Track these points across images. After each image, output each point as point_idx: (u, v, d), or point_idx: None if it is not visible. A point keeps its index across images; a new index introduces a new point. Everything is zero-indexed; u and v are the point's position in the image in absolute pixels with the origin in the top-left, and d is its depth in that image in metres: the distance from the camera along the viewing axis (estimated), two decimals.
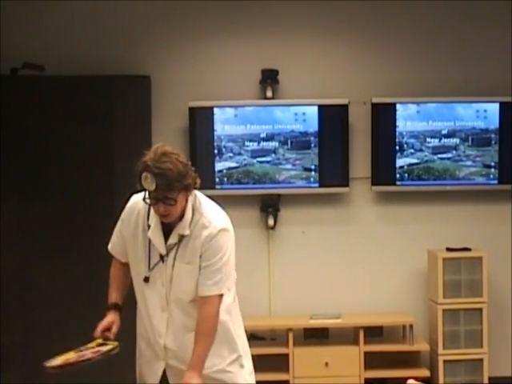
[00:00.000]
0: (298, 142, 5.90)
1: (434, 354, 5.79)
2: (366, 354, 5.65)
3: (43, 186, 5.46)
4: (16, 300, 5.43)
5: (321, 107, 5.90)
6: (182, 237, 3.15)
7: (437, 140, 5.94)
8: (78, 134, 5.46)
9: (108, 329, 3.46)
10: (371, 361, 5.67)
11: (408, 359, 5.75)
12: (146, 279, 3.24)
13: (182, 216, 3.14)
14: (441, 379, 5.69)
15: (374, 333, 5.81)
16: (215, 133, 5.88)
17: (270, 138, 5.89)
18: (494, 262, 5.86)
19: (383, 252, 6.04)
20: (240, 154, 5.85)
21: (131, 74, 5.73)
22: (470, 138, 5.94)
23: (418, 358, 5.81)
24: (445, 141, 5.94)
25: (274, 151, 5.89)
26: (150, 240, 3.19)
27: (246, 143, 5.89)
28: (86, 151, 5.48)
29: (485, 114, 5.93)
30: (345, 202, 6.08)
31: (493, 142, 5.93)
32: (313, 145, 5.90)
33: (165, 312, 3.27)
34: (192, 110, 5.84)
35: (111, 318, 3.46)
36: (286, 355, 5.61)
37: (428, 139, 5.93)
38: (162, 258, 3.18)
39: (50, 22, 5.89)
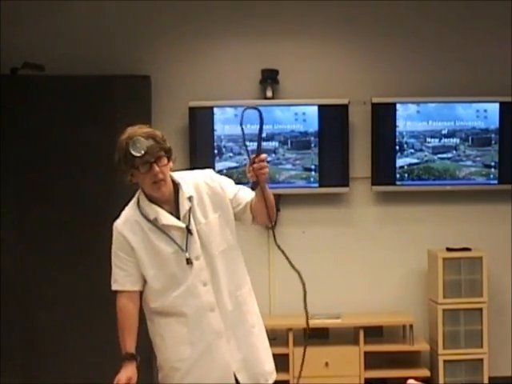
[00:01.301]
0: (298, 142, 5.90)
1: (434, 354, 5.79)
2: (366, 353, 5.65)
3: (43, 186, 5.46)
4: (16, 300, 5.43)
5: (321, 107, 5.90)
6: (190, 199, 3.22)
7: (437, 140, 5.94)
8: (78, 133, 5.46)
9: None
10: (371, 361, 5.67)
11: (408, 359, 5.75)
12: (188, 261, 3.19)
13: (175, 186, 3.22)
14: (441, 379, 5.69)
15: (374, 333, 5.81)
16: (215, 133, 5.88)
17: (270, 138, 5.89)
18: (494, 262, 5.87)
19: (383, 252, 6.04)
20: (240, 153, 5.85)
21: (131, 74, 5.73)
22: (470, 138, 5.94)
23: (418, 358, 5.81)
24: (445, 141, 5.94)
25: (274, 151, 5.89)
26: (163, 231, 3.19)
27: (246, 143, 5.87)
28: (86, 151, 5.48)
29: (485, 113, 5.93)
30: (345, 202, 6.08)
31: (493, 142, 5.93)
32: (313, 145, 5.90)
33: (208, 285, 3.23)
34: (192, 109, 5.84)
35: (130, 373, 3.22)
36: (286, 355, 5.61)
37: (428, 139, 5.93)
38: (188, 231, 3.19)
39: (49, 21, 5.89)
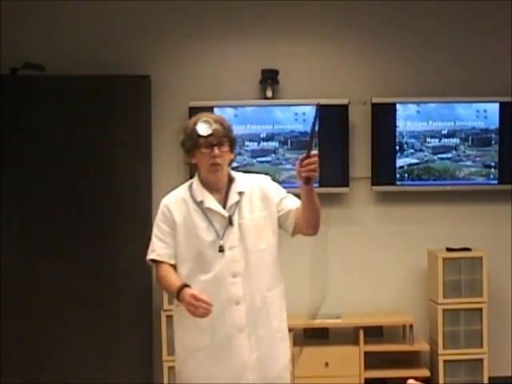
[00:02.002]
0: (297, 142, 5.89)
1: (434, 354, 5.79)
2: (366, 353, 5.65)
3: (43, 186, 5.46)
4: (16, 300, 5.43)
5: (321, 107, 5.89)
6: (240, 194, 3.33)
7: (437, 140, 5.94)
8: (78, 133, 5.47)
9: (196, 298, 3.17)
10: (371, 361, 5.67)
11: (408, 359, 5.75)
12: (221, 248, 3.26)
13: (230, 179, 3.35)
14: (441, 379, 5.69)
15: (374, 333, 5.81)
16: None
17: (269, 138, 5.89)
18: (494, 262, 5.87)
19: (383, 252, 6.04)
20: (240, 153, 5.84)
21: (131, 73, 5.73)
22: (470, 138, 5.94)
23: (418, 358, 5.81)
24: (445, 141, 5.94)
25: (274, 151, 5.89)
26: (206, 215, 3.29)
27: (246, 143, 5.89)
28: (86, 151, 5.48)
29: (485, 113, 5.93)
30: (345, 202, 6.08)
31: (493, 142, 5.93)
32: (313, 144, 5.89)
33: (237, 277, 3.28)
34: (192, 109, 5.82)
35: (195, 290, 3.19)
36: None
37: (428, 139, 5.93)
38: (230, 220, 3.27)
39: (49, 21, 5.89)
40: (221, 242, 3.27)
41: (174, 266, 3.34)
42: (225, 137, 3.29)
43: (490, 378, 5.73)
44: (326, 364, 5.64)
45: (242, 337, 3.27)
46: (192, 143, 3.29)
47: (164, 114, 5.92)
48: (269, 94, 5.95)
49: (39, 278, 5.43)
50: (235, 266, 3.28)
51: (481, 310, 5.71)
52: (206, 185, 3.35)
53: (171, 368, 5.59)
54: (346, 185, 5.96)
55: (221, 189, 3.35)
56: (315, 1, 5.98)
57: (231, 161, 3.38)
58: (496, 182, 5.95)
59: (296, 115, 5.90)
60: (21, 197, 5.47)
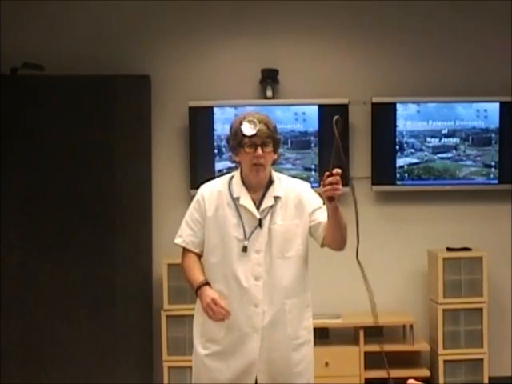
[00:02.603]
0: (298, 142, 5.89)
1: (434, 354, 5.79)
2: (366, 354, 5.65)
3: (43, 186, 5.46)
4: (16, 300, 5.43)
5: (321, 107, 5.90)
6: (276, 199, 3.35)
7: (437, 140, 5.94)
8: (78, 133, 5.47)
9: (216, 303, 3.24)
10: (371, 361, 5.67)
11: (408, 359, 5.74)
12: (245, 249, 3.28)
13: (269, 181, 3.36)
14: (441, 379, 5.69)
15: (374, 333, 5.80)
16: (215, 132, 5.88)
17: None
18: (494, 262, 5.86)
19: (383, 252, 6.04)
20: None
21: (131, 73, 5.73)
22: (470, 138, 5.94)
23: (418, 358, 5.81)
24: (445, 140, 5.94)
25: None
26: (239, 212, 3.31)
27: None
28: (86, 151, 5.48)
29: (485, 113, 5.93)
30: (345, 202, 6.04)
31: (493, 142, 5.93)
32: (313, 145, 5.90)
33: (259, 281, 3.31)
34: (192, 109, 5.84)
35: (213, 294, 3.26)
36: None
37: (428, 139, 5.93)
38: (260, 223, 3.29)
39: (50, 22, 5.89)
40: (246, 243, 3.29)
41: (199, 255, 3.40)
42: (269, 137, 3.30)
43: (490, 378, 5.73)
44: (326, 364, 5.63)
45: (255, 338, 3.31)
46: (236, 142, 3.30)
47: (164, 114, 5.92)
48: (269, 93, 5.95)
49: (39, 278, 5.43)
50: (258, 270, 3.30)
51: (481, 309, 5.71)
52: (246, 182, 3.37)
53: (171, 368, 5.59)
54: (346, 185, 5.93)
55: (259, 189, 3.37)
56: (315, 1, 5.97)
57: (274, 161, 3.40)
58: (496, 181, 5.95)
59: (296, 115, 5.90)
60: (21, 197, 5.47)
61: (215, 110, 5.87)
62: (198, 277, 3.31)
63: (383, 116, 5.93)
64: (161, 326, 5.64)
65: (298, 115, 5.90)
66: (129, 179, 5.62)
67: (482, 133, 5.93)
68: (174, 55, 6.00)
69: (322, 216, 3.37)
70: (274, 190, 3.37)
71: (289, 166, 5.88)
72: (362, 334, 5.64)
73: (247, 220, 3.32)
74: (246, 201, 3.33)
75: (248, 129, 3.25)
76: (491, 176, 5.95)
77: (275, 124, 3.37)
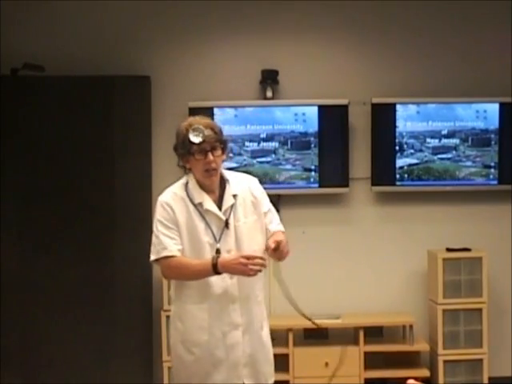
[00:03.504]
0: (297, 143, 5.89)
1: (434, 354, 5.80)
2: (366, 353, 5.65)
3: (43, 186, 5.46)
4: (16, 300, 5.43)
5: (321, 107, 5.90)
6: (234, 197, 3.41)
7: (437, 140, 5.94)
8: (78, 133, 5.47)
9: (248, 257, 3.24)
10: (371, 361, 5.67)
11: (408, 359, 5.75)
12: (218, 251, 3.32)
13: (222, 180, 3.42)
14: (441, 379, 5.69)
15: (374, 333, 5.81)
16: None
17: (269, 138, 5.89)
18: (494, 262, 5.87)
19: (383, 252, 6.04)
20: (240, 154, 5.85)
21: (131, 74, 5.73)
22: (469, 139, 5.94)
23: (418, 358, 5.81)
24: (445, 141, 5.94)
25: (274, 151, 5.89)
26: (203, 216, 3.34)
27: (246, 143, 5.89)
28: (86, 151, 5.48)
29: (485, 114, 5.93)
30: (345, 203, 6.08)
31: (493, 143, 5.93)
32: (313, 145, 5.90)
33: (234, 278, 3.36)
34: (192, 110, 5.82)
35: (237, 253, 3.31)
36: (286, 355, 5.61)
37: (428, 139, 5.93)
38: (226, 224, 3.36)
39: (50, 22, 5.89)
40: (218, 245, 3.33)
41: None
42: (217, 141, 3.35)
43: (489, 378, 5.73)
44: (326, 364, 5.64)
45: (237, 333, 3.38)
46: (185, 150, 3.33)
47: (164, 114, 5.92)
48: (269, 94, 5.95)
49: (39, 278, 5.44)
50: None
51: (481, 310, 5.71)
52: (201, 186, 3.41)
53: (171, 368, 5.59)
54: (346, 185, 5.96)
55: (215, 189, 3.42)
56: (315, 1, 5.98)
57: (223, 161, 3.45)
58: (496, 182, 5.96)
59: (296, 115, 5.90)
60: (21, 196, 5.47)
61: (215, 110, 5.87)
62: (201, 260, 3.30)
63: (383, 117, 5.93)
64: (161, 326, 5.64)
65: (298, 116, 5.90)
66: (129, 179, 5.62)
67: (482, 133, 5.93)
68: (174, 55, 6.00)
69: (272, 226, 3.50)
70: (231, 189, 3.43)
71: (289, 166, 5.88)
72: (361, 334, 5.64)
73: (213, 223, 3.36)
74: (210, 204, 3.37)
75: (195, 137, 3.28)
76: (491, 176, 5.95)
77: (220, 127, 3.44)
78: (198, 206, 3.36)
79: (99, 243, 5.49)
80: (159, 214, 3.41)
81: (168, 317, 5.57)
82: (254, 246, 3.40)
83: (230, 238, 3.37)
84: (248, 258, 3.19)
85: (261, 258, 3.20)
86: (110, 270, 5.50)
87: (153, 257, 3.39)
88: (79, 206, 5.48)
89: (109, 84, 5.55)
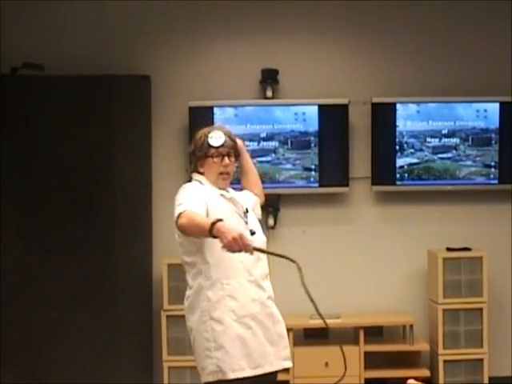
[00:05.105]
0: (297, 142, 5.89)
1: (434, 354, 5.79)
2: (366, 353, 5.65)
3: (43, 186, 5.46)
4: (16, 300, 5.43)
5: (321, 107, 5.90)
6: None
7: (437, 140, 5.94)
8: (78, 133, 5.47)
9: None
10: (371, 361, 5.67)
11: (408, 359, 5.74)
12: (252, 231, 3.47)
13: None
14: (441, 379, 5.69)
15: (374, 333, 5.81)
16: None
17: (269, 137, 5.89)
18: (494, 262, 5.86)
19: (383, 252, 6.04)
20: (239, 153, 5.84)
21: (131, 73, 5.73)
22: (470, 138, 5.94)
23: (418, 358, 5.81)
24: (445, 141, 5.94)
25: (274, 151, 5.89)
26: (229, 204, 3.51)
27: (246, 143, 5.87)
28: (86, 151, 5.48)
29: (485, 113, 5.93)
30: (345, 202, 6.08)
31: (493, 142, 5.93)
32: (313, 145, 5.90)
33: (262, 259, 3.54)
34: (192, 109, 5.84)
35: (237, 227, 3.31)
36: None
37: (428, 139, 5.93)
38: (246, 212, 3.55)
39: (50, 21, 5.89)
40: (249, 227, 3.49)
41: None
42: (232, 148, 3.59)
43: (490, 378, 5.73)
44: (326, 364, 5.63)
45: (273, 305, 3.58)
46: (203, 153, 3.54)
47: (164, 114, 5.92)
48: (269, 93, 5.95)
49: (39, 278, 5.43)
50: (264, 247, 3.53)
51: (481, 310, 5.71)
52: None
53: (171, 368, 5.60)
54: (346, 185, 5.96)
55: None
56: (315, 1, 5.97)
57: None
58: (496, 181, 5.95)
59: (296, 115, 5.90)
60: (21, 196, 5.47)
61: (215, 110, 5.87)
62: (208, 219, 3.24)
63: (383, 116, 5.93)
64: (161, 326, 5.64)
65: (298, 115, 5.90)
66: (129, 179, 5.62)
67: (482, 133, 5.93)
68: (174, 55, 6.00)
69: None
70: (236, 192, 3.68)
71: (289, 166, 5.88)
72: (361, 334, 5.64)
73: (238, 210, 3.54)
74: (231, 194, 3.57)
75: (216, 140, 3.54)
76: (491, 176, 5.95)
77: (235, 136, 3.67)
78: (223, 196, 3.52)
79: (99, 243, 5.49)
80: (188, 189, 3.45)
81: (168, 317, 5.57)
82: (262, 236, 3.58)
83: (251, 223, 3.54)
84: (242, 238, 3.13)
85: (249, 249, 3.19)
86: (110, 269, 5.49)
87: (175, 215, 3.30)
88: (79, 206, 5.48)
89: (109, 84, 5.54)
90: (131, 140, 5.64)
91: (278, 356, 3.56)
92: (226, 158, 3.55)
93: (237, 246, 3.12)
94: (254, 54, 5.98)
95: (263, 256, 3.51)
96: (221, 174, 3.54)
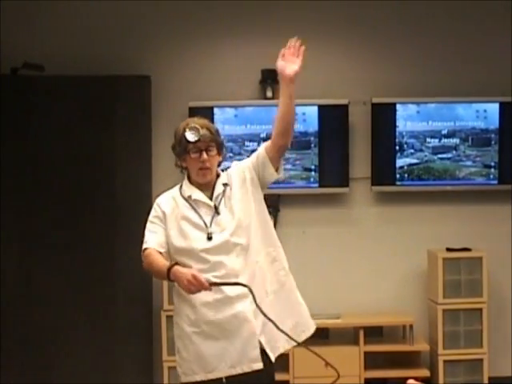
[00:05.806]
0: (297, 142, 5.89)
1: (434, 354, 5.79)
2: (366, 353, 5.65)
3: (43, 186, 5.46)
4: (16, 300, 5.43)
5: (321, 107, 5.90)
6: (224, 186, 3.48)
7: (437, 140, 5.94)
8: (78, 133, 5.47)
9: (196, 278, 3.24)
10: (371, 361, 5.67)
11: (408, 359, 5.75)
12: (209, 235, 3.38)
13: (216, 178, 3.50)
14: (441, 379, 5.69)
15: (374, 333, 5.81)
16: None
17: (269, 138, 5.87)
18: (494, 262, 5.86)
19: (383, 252, 6.04)
20: (240, 153, 5.84)
21: (131, 73, 5.73)
22: (469, 138, 5.94)
23: (418, 358, 5.81)
24: (445, 141, 5.95)
25: None
26: (193, 207, 3.43)
27: (246, 143, 5.89)
28: (87, 151, 5.49)
29: (485, 114, 5.93)
30: (345, 202, 6.08)
31: (493, 142, 5.93)
32: (313, 145, 5.90)
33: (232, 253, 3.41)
34: (192, 109, 5.83)
35: (191, 271, 3.27)
36: (286, 355, 5.60)
37: (428, 139, 5.94)
38: (216, 210, 3.42)
39: (50, 21, 5.89)
40: (208, 230, 3.39)
41: (163, 255, 3.43)
42: (212, 141, 3.47)
43: (489, 378, 5.73)
44: (326, 364, 5.62)
45: (243, 304, 3.36)
46: (182, 148, 3.44)
47: (164, 114, 5.92)
48: (269, 94, 5.95)
49: (39, 279, 5.44)
50: (226, 245, 3.39)
51: (481, 310, 5.71)
52: (195, 185, 3.50)
53: (171, 368, 5.58)
54: (346, 185, 5.96)
55: (209, 188, 3.49)
56: (315, 1, 5.98)
57: (220, 162, 3.55)
58: (496, 182, 5.96)
59: (296, 115, 5.88)
60: (20, 196, 5.47)
61: (215, 110, 5.87)
62: (164, 262, 3.34)
63: (383, 116, 5.93)
64: (161, 326, 5.64)
65: (298, 116, 5.89)
66: (129, 179, 5.63)
67: (482, 133, 5.93)
68: (173, 55, 6.01)
69: (258, 150, 3.59)
70: (221, 180, 3.51)
71: (289, 166, 5.88)
72: (361, 334, 5.64)
73: (203, 211, 3.43)
74: (198, 195, 3.44)
75: (191, 135, 3.40)
76: (491, 176, 5.95)
77: (217, 128, 3.57)
78: (188, 199, 3.45)
79: (99, 243, 5.49)
80: (150, 214, 3.51)
81: (168, 317, 5.57)
82: (246, 220, 3.43)
83: (222, 221, 3.40)
84: (196, 279, 3.18)
85: (206, 287, 3.20)
86: (110, 270, 5.50)
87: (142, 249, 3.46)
88: (79, 206, 5.48)
89: (109, 84, 5.55)
90: (131, 140, 5.64)
91: (245, 358, 3.38)
92: (204, 153, 3.42)
93: (193, 287, 3.18)
94: (254, 54, 5.98)
95: (228, 256, 3.37)
96: (200, 169, 3.44)
